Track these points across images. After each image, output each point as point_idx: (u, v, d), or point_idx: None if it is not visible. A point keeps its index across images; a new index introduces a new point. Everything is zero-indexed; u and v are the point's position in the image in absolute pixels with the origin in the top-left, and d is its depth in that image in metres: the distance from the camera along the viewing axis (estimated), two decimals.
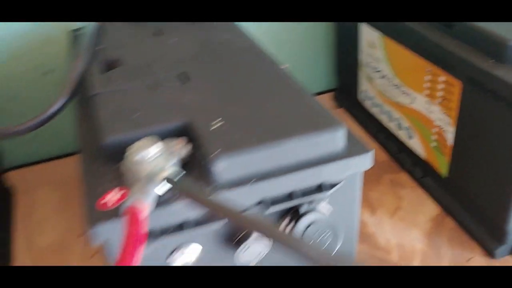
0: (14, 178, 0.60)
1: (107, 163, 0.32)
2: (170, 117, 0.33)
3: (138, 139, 0.31)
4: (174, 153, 0.30)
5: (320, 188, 0.32)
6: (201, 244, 0.32)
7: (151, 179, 0.27)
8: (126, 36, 0.45)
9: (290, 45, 0.68)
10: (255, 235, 0.32)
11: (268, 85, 0.36)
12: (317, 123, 0.31)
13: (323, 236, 0.32)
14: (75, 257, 0.49)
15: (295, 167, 0.30)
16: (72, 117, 0.46)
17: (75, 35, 0.52)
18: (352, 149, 0.31)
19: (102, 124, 0.33)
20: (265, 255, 0.33)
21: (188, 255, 0.32)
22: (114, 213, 0.28)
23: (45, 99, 0.59)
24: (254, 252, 0.33)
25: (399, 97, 0.53)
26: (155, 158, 0.28)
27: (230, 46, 0.42)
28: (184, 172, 0.28)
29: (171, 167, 0.28)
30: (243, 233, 0.32)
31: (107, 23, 0.48)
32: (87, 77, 0.40)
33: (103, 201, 0.29)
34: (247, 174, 0.30)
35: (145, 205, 0.26)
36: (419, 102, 0.49)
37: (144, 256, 0.30)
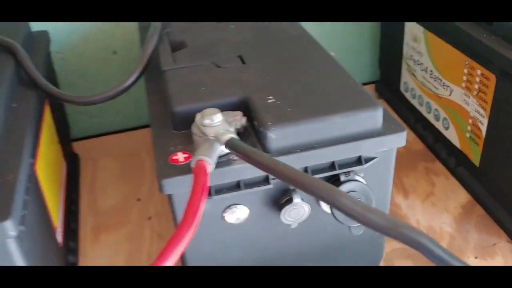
0: (79, 148, 0.66)
1: (175, 129, 0.37)
2: (229, 92, 0.38)
3: (201, 110, 0.36)
4: (232, 123, 0.35)
5: (359, 161, 0.36)
6: (250, 204, 0.37)
7: (217, 140, 0.32)
8: (189, 22, 0.51)
9: (334, 37, 0.72)
10: (297, 200, 0.36)
11: (317, 68, 0.40)
12: (358, 103, 0.35)
13: None
14: (134, 218, 0.55)
15: (337, 140, 0.35)
16: (132, 98, 0.50)
17: None
18: (388, 128, 0.36)
19: (172, 96, 0.38)
20: (306, 220, 0.38)
21: (239, 213, 0.37)
22: (182, 169, 0.33)
23: (112, 76, 0.65)
24: (296, 215, 0.37)
25: (438, 89, 0.56)
26: (219, 125, 0.33)
27: (282, 33, 0.47)
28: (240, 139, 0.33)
29: (232, 132, 0.33)
30: (287, 198, 0.36)
31: None
32: (155, 56, 0.45)
33: (174, 157, 0.34)
34: (295, 144, 0.34)
35: (211, 161, 0.31)
36: (457, 94, 0.53)
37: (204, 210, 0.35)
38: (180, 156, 0.35)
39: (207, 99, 0.37)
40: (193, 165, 0.32)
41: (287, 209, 0.36)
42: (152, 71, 0.45)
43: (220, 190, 0.35)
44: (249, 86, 0.38)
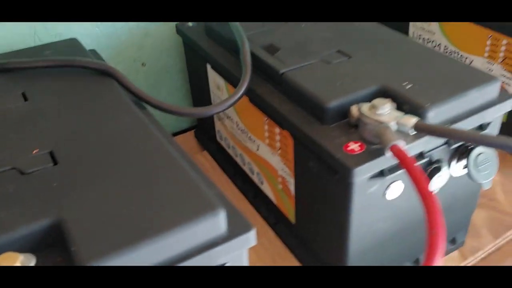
0: None
1: (324, 123, 0.40)
2: (365, 83, 0.42)
3: (349, 102, 0.40)
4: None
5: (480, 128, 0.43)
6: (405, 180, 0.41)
7: (399, 124, 0.36)
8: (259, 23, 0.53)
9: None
10: (444, 168, 0.41)
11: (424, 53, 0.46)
12: None
13: (487, 164, 0.42)
14: None
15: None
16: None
17: (181, 28, 0.59)
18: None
19: (315, 93, 0.41)
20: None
21: (397, 189, 0.41)
22: (363, 157, 0.37)
23: (144, 87, 0.64)
24: (440, 182, 0.42)
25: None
26: (390, 112, 0.38)
27: (364, 32, 0.51)
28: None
29: (408, 116, 0.37)
30: (435, 167, 0.41)
31: None
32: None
33: (349, 148, 0.38)
34: (446, 119, 0.40)
35: (403, 143, 0.35)
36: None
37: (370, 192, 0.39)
38: (354, 146, 0.38)
39: (351, 92, 0.41)
40: (388, 151, 0.35)
41: (436, 177, 0.41)
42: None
43: (391, 169, 0.39)
44: (378, 76, 0.42)
